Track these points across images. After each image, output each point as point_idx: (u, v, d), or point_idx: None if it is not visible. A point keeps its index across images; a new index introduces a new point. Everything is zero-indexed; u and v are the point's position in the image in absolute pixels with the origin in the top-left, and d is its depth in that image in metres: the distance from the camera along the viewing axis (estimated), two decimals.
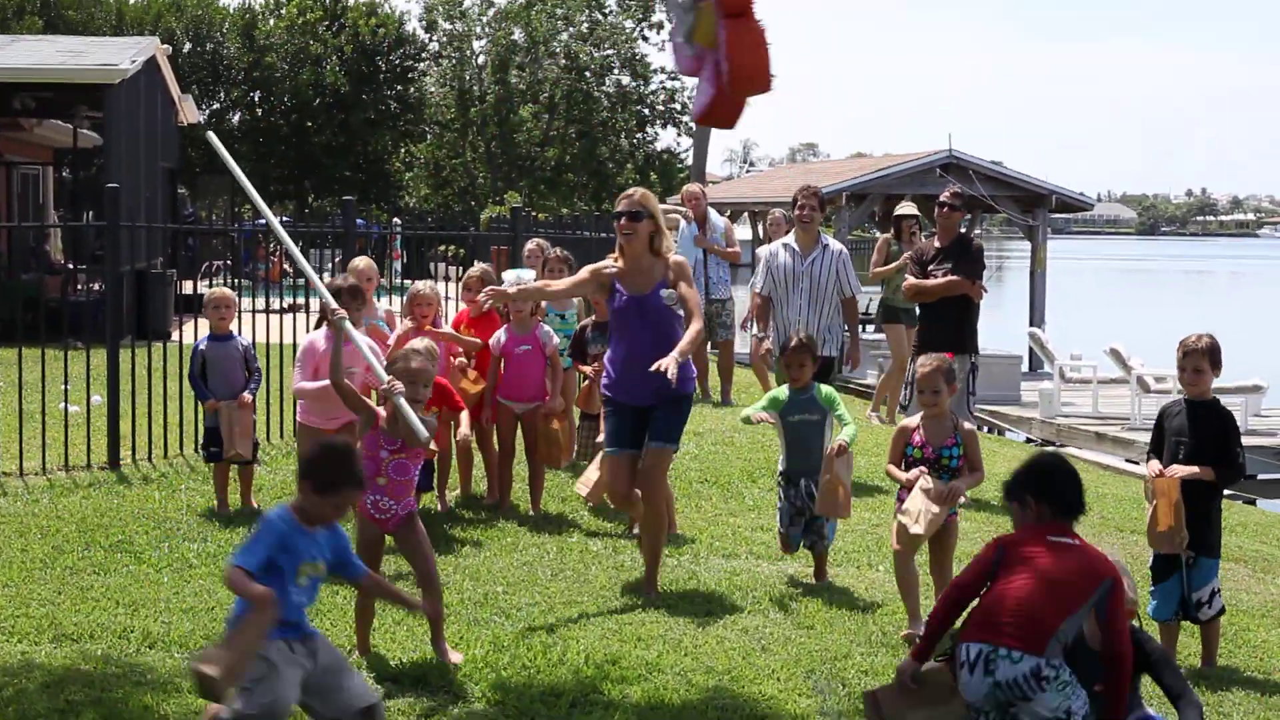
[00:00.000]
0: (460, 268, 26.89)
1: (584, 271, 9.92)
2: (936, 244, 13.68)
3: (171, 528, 10.91)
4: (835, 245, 13.49)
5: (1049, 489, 6.61)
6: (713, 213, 18.79)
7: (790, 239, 13.54)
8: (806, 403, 9.83)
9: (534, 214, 23.26)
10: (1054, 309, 30.50)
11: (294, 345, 14.45)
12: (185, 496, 11.92)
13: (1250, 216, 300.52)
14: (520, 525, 11.23)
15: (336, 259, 16.29)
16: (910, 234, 17.57)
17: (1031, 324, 27.73)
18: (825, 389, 9.94)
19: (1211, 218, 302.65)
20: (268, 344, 13.73)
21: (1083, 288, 76.63)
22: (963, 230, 13.98)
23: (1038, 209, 29.09)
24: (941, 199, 13.78)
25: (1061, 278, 46.12)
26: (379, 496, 7.96)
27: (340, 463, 6.52)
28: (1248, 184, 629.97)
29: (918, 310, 13.99)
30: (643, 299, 9.46)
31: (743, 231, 36.81)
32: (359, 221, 16.59)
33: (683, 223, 18.44)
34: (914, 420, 9.05)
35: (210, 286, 18.84)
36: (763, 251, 13.83)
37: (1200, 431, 8.72)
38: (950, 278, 13.36)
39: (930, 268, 13.51)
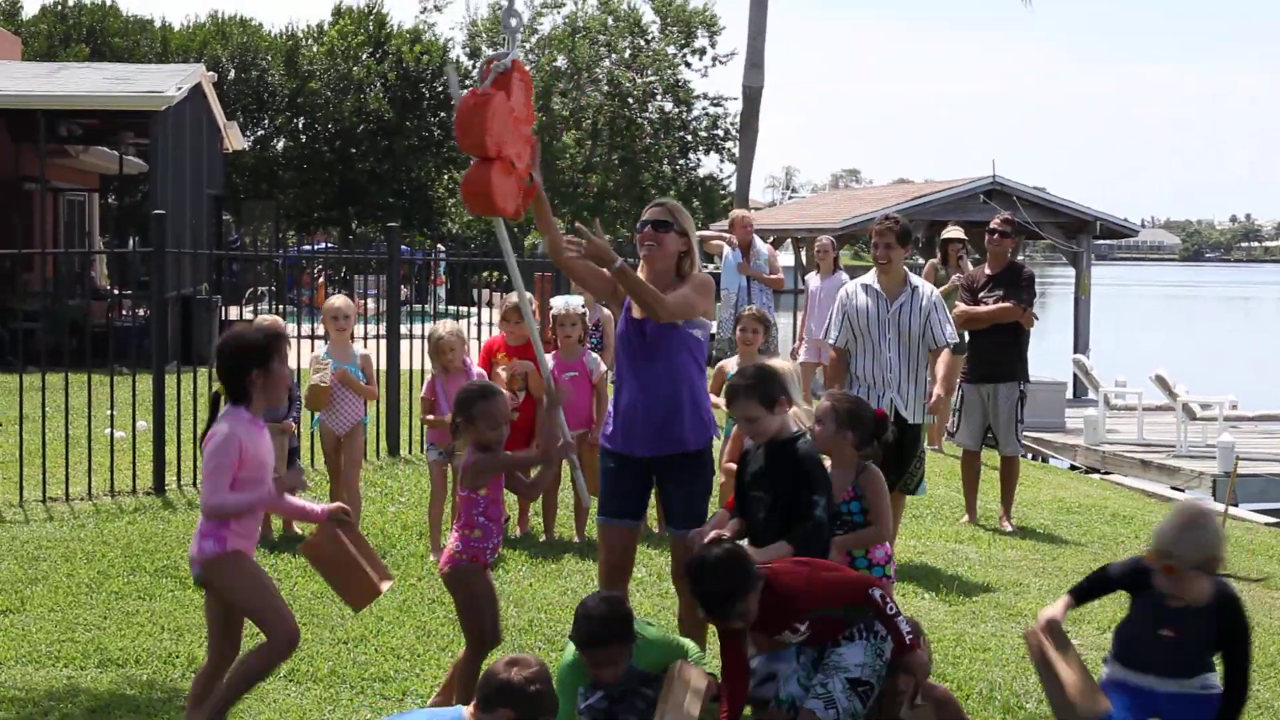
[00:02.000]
0: (503, 295, 27.01)
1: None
2: (988, 271, 13.65)
3: None
4: (925, 286, 11.23)
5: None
6: (757, 239, 18.80)
7: (871, 278, 11.26)
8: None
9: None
10: (1098, 335, 30.38)
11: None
12: None
13: None
14: (565, 551, 11.23)
15: (381, 286, 16.35)
16: (958, 258, 17.50)
17: (1076, 350, 27.60)
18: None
19: (1256, 244, 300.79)
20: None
21: (1127, 314, 76.29)
22: (1013, 257, 13.94)
23: (1082, 235, 28.99)
24: (992, 226, 13.75)
25: (1105, 304, 45.96)
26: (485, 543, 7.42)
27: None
28: None
29: (967, 337, 13.93)
30: (661, 325, 7.75)
31: (785, 258, 36.78)
32: (403, 248, 16.63)
33: (727, 249, 18.45)
34: None
35: (255, 312, 18.88)
36: (840, 293, 11.42)
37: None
38: (1002, 304, 13.33)
39: (981, 295, 13.48)
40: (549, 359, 11.07)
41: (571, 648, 6.91)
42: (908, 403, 11.09)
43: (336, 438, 11.81)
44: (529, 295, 12.09)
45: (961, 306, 13.63)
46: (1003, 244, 13.64)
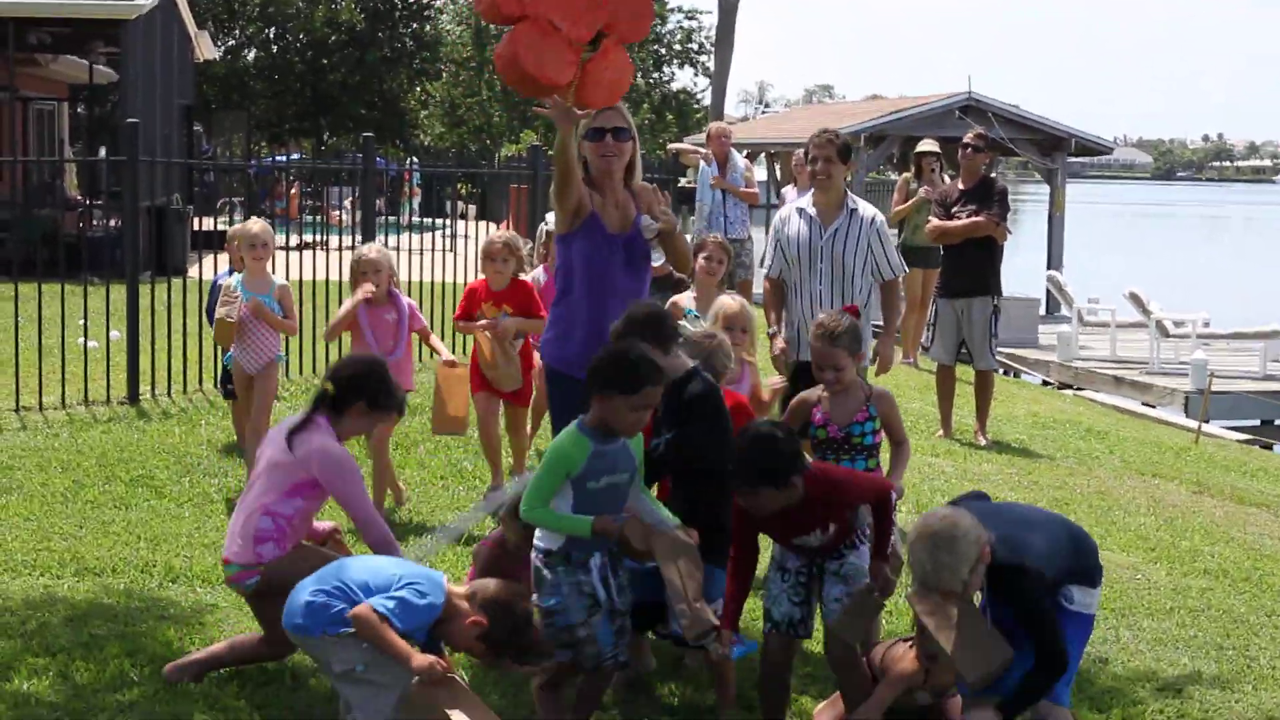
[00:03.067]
0: (477, 206, 26.94)
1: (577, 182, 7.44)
2: (961, 186, 13.65)
3: (192, 463, 10.91)
4: (866, 209, 9.54)
5: None
6: (734, 153, 18.71)
7: (806, 201, 9.69)
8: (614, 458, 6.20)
9: (551, 152, 23.32)
10: (1072, 253, 30.39)
11: (312, 282, 14.48)
12: (205, 432, 11.94)
13: (1267, 162, 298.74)
14: None
15: (355, 196, 16.22)
16: (930, 171, 17.47)
17: (1049, 267, 27.61)
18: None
19: (1228, 163, 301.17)
20: (286, 281, 13.67)
21: (1100, 232, 76.41)
22: (986, 172, 13.93)
23: (1056, 152, 28.91)
24: (965, 140, 13.74)
25: (1078, 221, 45.97)
26: None
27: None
28: (1265, 129, 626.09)
29: (942, 251, 13.92)
30: (628, 239, 7.47)
31: (759, 173, 36.68)
32: (377, 160, 16.53)
33: (703, 163, 18.37)
34: (814, 393, 7.28)
35: (229, 223, 18.78)
36: (775, 218, 9.98)
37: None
38: (975, 219, 13.32)
39: (954, 210, 13.47)
40: (539, 272, 10.88)
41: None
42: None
43: (248, 377, 10.50)
44: (512, 234, 10.74)
45: (935, 221, 13.65)
46: (976, 159, 13.62)
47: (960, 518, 5.99)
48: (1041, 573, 6.10)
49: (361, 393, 6.83)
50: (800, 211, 9.55)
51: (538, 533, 6.22)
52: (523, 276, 10.34)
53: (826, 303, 9.15)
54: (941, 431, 13.57)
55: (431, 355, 11.21)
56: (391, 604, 6.03)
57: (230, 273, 10.93)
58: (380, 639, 5.97)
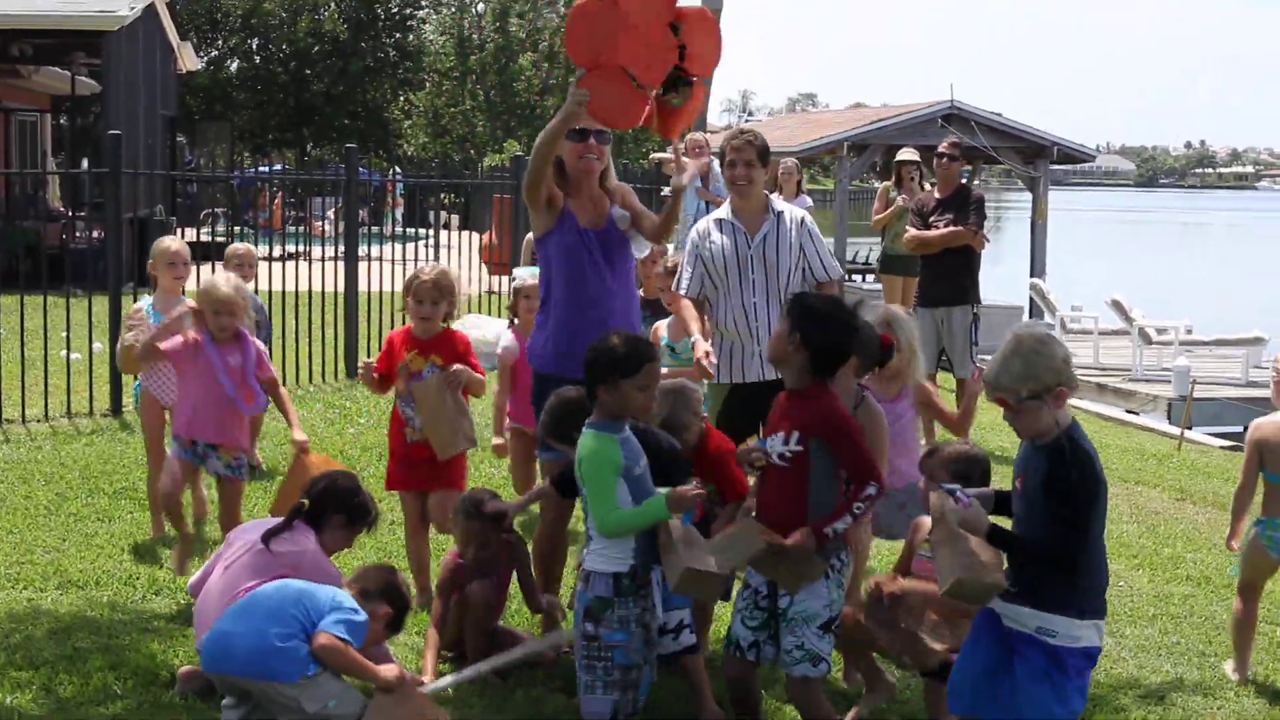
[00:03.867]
0: (460, 217, 26.92)
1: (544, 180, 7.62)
2: (937, 195, 13.69)
3: None
4: (793, 210, 8.81)
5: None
6: (714, 162, 18.72)
7: (724, 211, 8.76)
8: (633, 444, 6.23)
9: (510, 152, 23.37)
10: (1054, 260, 30.44)
11: (295, 292, 14.49)
12: None
13: (1249, 169, 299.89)
14: None
15: (336, 207, 16.20)
16: (910, 180, 17.39)
17: (1032, 275, 27.66)
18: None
19: (1210, 170, 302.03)
20: (270, 291, 13.68)
21: (1083, 239, 76.59)
22: (963, 181, 13.97)
23: (1039, 160, 28.96)
24: (940, 150, 13.78)
25: (1061, 229, 46.04)
26: None
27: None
28: (1247, 136, 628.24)
29: (920, 262, 13.95)
30: (603, 232, 7.54)
31: None
32: (360, 170, 16.53)
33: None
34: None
35: (211, 234, 18.72)
36: (690, 234, 8.92)
37: None
38: (953, 228, 13.35)
39: (931, 219, 13.51)
40: (509, 336, 9.49)
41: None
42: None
43: (161, 407, 9.61)
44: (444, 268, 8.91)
45: (912, 231, 13.69)
46: (951, 167, 13.68)
47: (1053, 344, 5.76)
48: (1097, 491, 5.64)
49: (346, 509, 6.94)
50: (720, 223, 8.66)
51: (601, 559, 6.02)
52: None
53: (763, 313, 8.44)
54: (924, 441, 13.53)
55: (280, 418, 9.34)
56: (341, 628, 6.14)
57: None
58: (350, 663, 6.13)
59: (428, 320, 8.18)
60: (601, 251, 7.49)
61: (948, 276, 13.49)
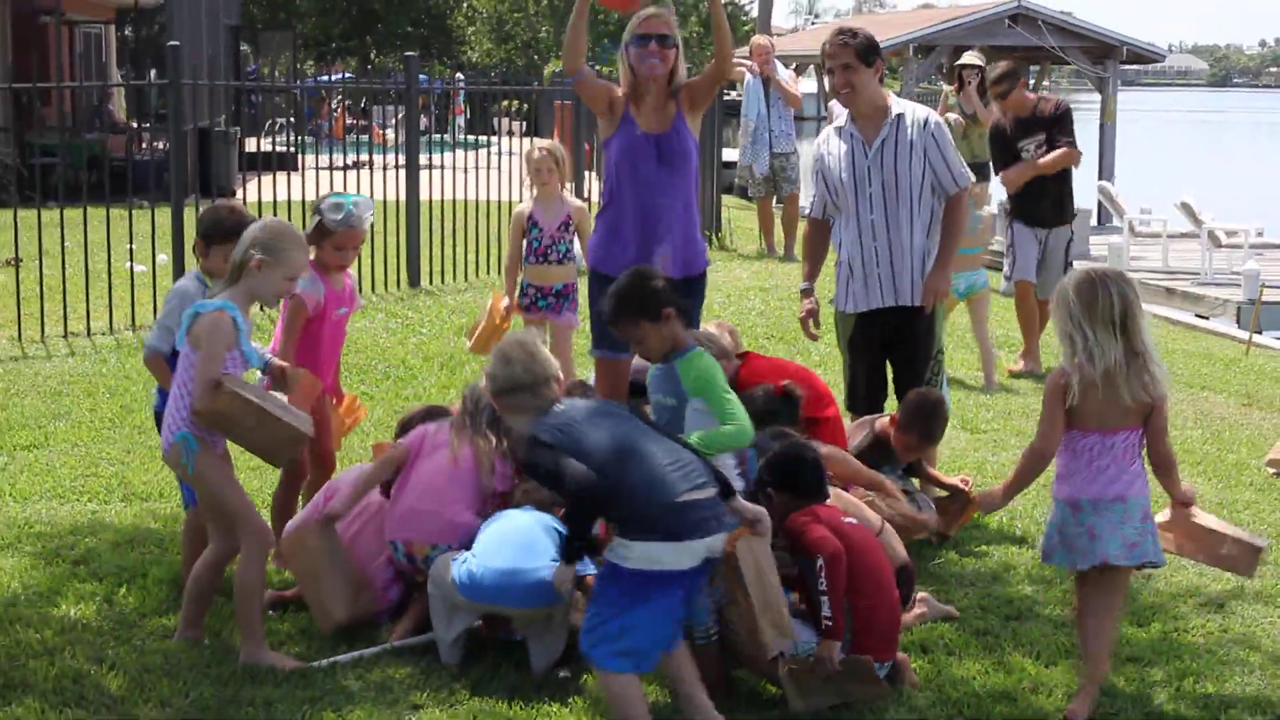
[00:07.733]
0: (524, 123, 26.81)
1: (600, 86, 7.86)
2: (1015, 114, 12.78)
3: None
4: (915, 111, 8.06)
5: (789, 481, 6.22)
6: (779, 65, 18.63)
7: (844, 119, 8.13)
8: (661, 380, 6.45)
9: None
10: (1123, 162, 30.09)
11: None
12: None
13: None
14: None
15: (399, 116, 16.19)
16: (969, 84, 16.68)
17: (1100, 178, 27.35)
18: (698, 365, 6.23)
19: None
20: None
21: (1153, 141, 75.56)
22: (1034, 94, 13.29)
23: (1108, 60, 28.59)
24: (997, 75, 12.83)
25: (1131, 131, 45.46)
26: None
27: None
28: None
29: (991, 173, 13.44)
30: (664, 136, 7.60)
31: (808, 85, 36.41)
32: (421, 77, 16.50)
33: (748, 75, 18.29)
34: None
35: (273, 145, 18.77)
36: (814, 146, 8.60)
37: None
38: (1059, 152, 12.58)
39: (1021, 144, 12.69)
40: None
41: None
42: (899, 282, 8.01)
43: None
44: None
45: (1012, 171, 12.72)
46: (1019, 93, 12.87)
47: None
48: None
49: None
50: (839, 130, 8.10)
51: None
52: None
53: (881, 235, 7.90)
54: (1023, 363, 12.85)
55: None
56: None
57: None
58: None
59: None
60: (658, 155, 7.62)
61: (1049, 195, 12.72)
